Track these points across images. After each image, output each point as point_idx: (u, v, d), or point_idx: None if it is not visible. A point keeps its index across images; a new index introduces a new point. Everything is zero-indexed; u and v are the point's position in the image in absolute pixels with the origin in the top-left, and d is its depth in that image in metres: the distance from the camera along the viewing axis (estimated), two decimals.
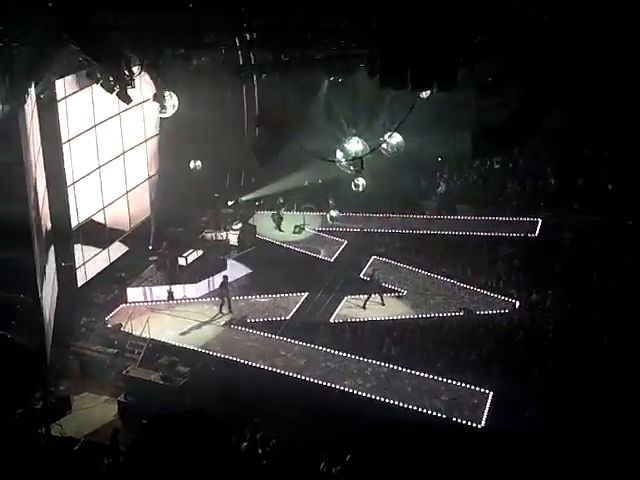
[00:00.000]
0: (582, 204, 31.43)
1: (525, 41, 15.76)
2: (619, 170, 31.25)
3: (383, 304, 27.12)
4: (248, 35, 17.83)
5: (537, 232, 31.63)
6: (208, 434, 5.82)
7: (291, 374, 23.32)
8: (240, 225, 31.37)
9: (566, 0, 14.87)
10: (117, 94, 20.10)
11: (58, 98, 23.44)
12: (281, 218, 32.97)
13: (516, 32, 15.70)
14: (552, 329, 24.76)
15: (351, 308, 27.15)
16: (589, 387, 21.42)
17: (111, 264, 27.51)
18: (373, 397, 22.26)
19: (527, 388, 21.89)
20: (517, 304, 26.91)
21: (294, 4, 16.36)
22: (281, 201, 33.60)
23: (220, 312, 26.57)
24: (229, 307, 26.77)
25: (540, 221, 32.03)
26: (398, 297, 27.96)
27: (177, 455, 5.59)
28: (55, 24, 16.83)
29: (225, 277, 27.29)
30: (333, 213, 32.96)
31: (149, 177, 29.50)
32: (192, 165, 30.75)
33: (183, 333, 25.56)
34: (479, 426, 21.06)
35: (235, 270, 29.17)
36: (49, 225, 24.22)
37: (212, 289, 27.99)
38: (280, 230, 32.79)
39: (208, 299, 27.78)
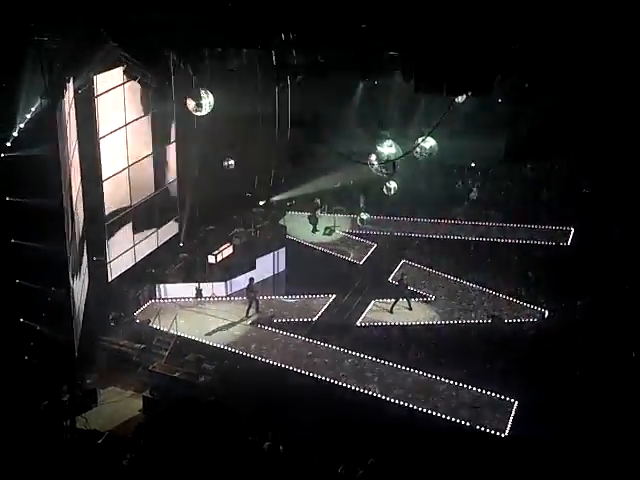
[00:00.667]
0: (616, 213, 31.05)
1: (561, 49, 15.64)
2: None
3: (410, 309, 27.02)
4: (284, 36, 17.85)
5: (569, 241, 31.39)
6: (226, 425, 5.84)
7: (316, 375, 23.31)
8: (270, 225, 31.40)
9: (602, 9, 14.72)
10: (153, 91, 20.23)
11: (96, 94, 23.62)
12: (317, 220, 33.02)
13: (552, 40, 15.58)
14: (581, 340, 24.51)
15: (378, 312, 27.10)
16: (616, 398, 21.19)
17: (141, 260, 27.67)
18: (397, 402, 22.17)
19: (553, 398, 21.69)
20: (546, 313, 26.71)
21: (330, 5, 16.37)
22: (318, 202, 33.63)
23: (246, 315, 26.61)
24: (257, 308, 26.84)
25: (573, 230, 31.77)
26: (426, 302, 27.86)
27: (192, 441, 5.61)
28: (95, 21, 17.00)
29: (251, 279, 27.35)
30: (364, 216, 32.90)
31: (180, 175, 29.57)
32: (225, 164, 30.88)
33: (210, 331, 25.67)
34: (503, 435, 20.90)
35: (263, 270, 29.25)
36: (82, 219, 24.43)
37: (240, 288, 28.08)
38: (315, 232, 32.84)
39: (236, 298, 27.89)
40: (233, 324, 26.22)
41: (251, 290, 27.03)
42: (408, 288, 27.51)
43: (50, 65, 18.95)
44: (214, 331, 25.71)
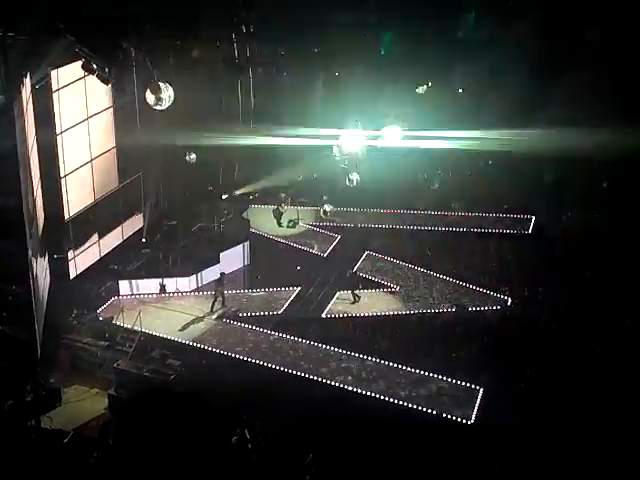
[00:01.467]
0: (576, 202, 31.47)
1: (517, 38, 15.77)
2: (614, 168, 31.26)
3: (354, 301, 27.12)
4: (245, 28, 17.78)
5: (530, 229, 31.75)
6: (200, 417, 5.78)
7: (282, 369, 23.31)
8: (233, 219, 31.25)
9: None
10: (112, 85, 20.01)
11: (53, 89, 23.28)
12: (281, 213, 32.94)
13: (510, 31, 15.70)
14: (543, 326, 24.81)
15: (343, 303, 27.14)
16: (580, 383, 21.49)
17: (103, 257, 27.39)
18: (363, 392, 22.25)
19: (518, 385, 21.94)
20: (509, 301, 26.99)
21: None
22: (282, 197, 33.55)
23: (211, 309, 26.51)
24: (222, 302, 26.75)
25: (534, 218, 32.11)
26: (390, 292, 27.97)
27: (162, 434, 5.54)
28: (51, 15, 16.75)
29: (222, 274, 27.26)
30: (327, 208, 32.88)
31: (143, 169, 29.30)
32: (187, 158, 30.67)
33: (175, 326, 25.52)
34: (469, 422, 21.09)
35: (228, 264, 29.12)
36: (42, 217, 24.10)
37: (204, 282, 27.95)
38: (280, 225, 32.76)
39: (200, 293, 27.76)
40: (198, 319, 26.10)
41: (220, 284, 26.93)
42: (357, 279, 27.83)
43: (6, 60, 18.64)
44: (179, 326, 25.57)
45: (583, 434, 19.65)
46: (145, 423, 5.55)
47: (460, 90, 24.10)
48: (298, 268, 27.03)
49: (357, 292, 27.23)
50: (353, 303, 26.99)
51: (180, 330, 25.33)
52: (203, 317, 26.22)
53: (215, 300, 26.70)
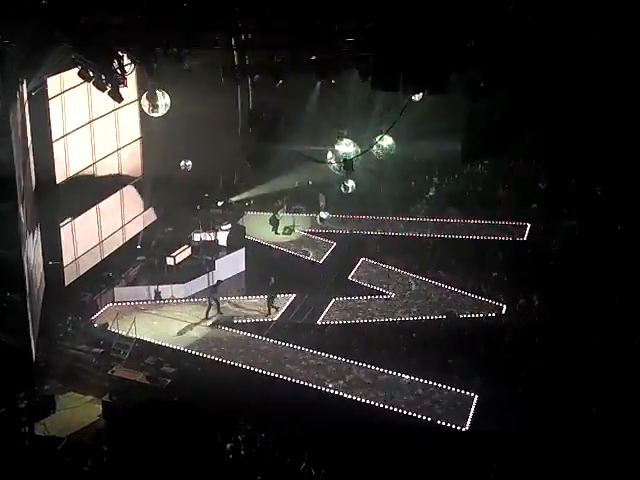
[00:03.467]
0: (571, 209, 31.54)
1: (516, 45, 15.80)
2: (608, 175, 31.34)
3: (269, 312, 26.82)
4: (242, 36, 17.79)
5: (525, 236, 31.79)
6: (195, 425, 5.77)
7: (276, 375, 23.29)
8: (229, 226, 31.28)
9: (558, 6, 14.91)
10: (109, 93, 20.01)
11: (50, 96, 23.28)
12: (278, 221, 32.95)
13: (508, 36, 15.73)
14: (539, 333, 24.82)
15: (339, 310, 27.13)
16: (575, 390, 21.50)
17: (99, 263, 27.36)
18: (358, 399, 22.24)
19: (513, 391, 21.95)
20: (504, 308, 27.01)
21: (288, 6, 16.34)
22: (279, 204, 33.60)
23: (206, 316, 26.48)
24: (217, 309, 26.73)
25: (529, 225, 32.17)
26: (386, 300, 27.97)
27: (161, 443, 5.53)
28: (47, 22, 16.75)
29: (219, 281, 27.33)
30: (323, 215, 32.96)
31: (140, 176, 29.34)
32: (182, 165, 30.68)
33: (170, 333, 25.49)
34: (463, 429, 21.08)
35: (223, 271, 29.12)
36: (38, 222, 24.08)
37: (200, 290, 27.95)
38: (276, 232, 32.77)
39: (195, 299, 27.74)
40: (193, 326, 26.07)
41: (215, 292, 26.94)
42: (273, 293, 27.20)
43: (2, 67, 18.63)
44: (174, 333, 25.55)
45: (579, 441, 19.65)
46: (139, 432, 5.54)
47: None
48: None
49: (274, 303, 26.99)
50: (268, 315, 26.76)
51: (175, 337, 25.31)
52: (198, 324, 26.19)
53: (210, 307, 26.68)
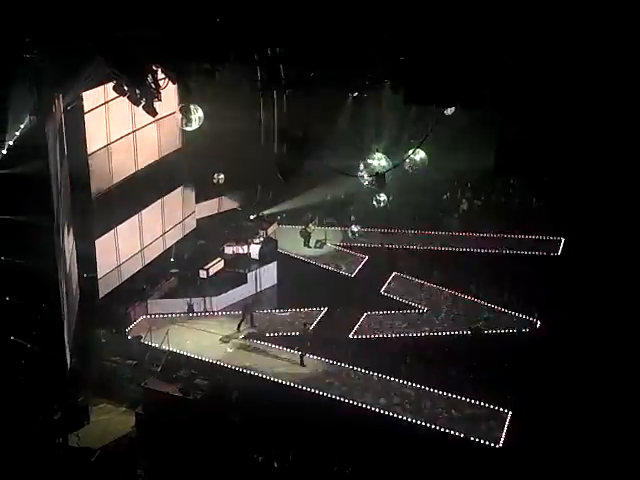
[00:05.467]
0: (606, 224, 31.20)
1: (547, 62, 15.74)
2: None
3: (302, 365, 24.66)
4: (274, 51, 17.91)
5: (560, 251, 31.53)
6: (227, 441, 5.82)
7: (309, 389, 23.26)
8: (261, 239, 31.42)
9: (586, 24, 14.83)
10: (143, 107, 20.23)
11: (85, 110, 23.59)
12: (309, 234, 33.02)
13: (540, 53, 15.67)
14: (573, 349, 24.55)
15: (371, 324, 27.06)
16: (608, 407, 21.23)
17: (132, 276, 27.60)
18: (391, 414, 22.13)
19: (547, 408, 21.71)
20: (538, 323, 26.77)
21: (318, 19, 16.42)
22: (310, 217, 33.69)
23: (238, 329, 26.59)
24: (251, 323, 26.82)
25: (563, 240, 31.90)
26: (418, 314, 27.87)
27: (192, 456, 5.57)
28: (84, 37, 16.99)
29: (252, 296, 27.59)
30: (354, 228, 33.01)
31: (174, 189, 29.59)
32: (215, 178, 30.94)
33: (202, 346, 25.59)
34: (497, 446, 20.89)
35: (256, 284, 29.23)
36: (73, 235, 24.35)
37: (232, 302, 28.05)
38: (308, 246, 32.84)
39: (228, 312, 27.84)
40: (225, 339, 26.15)
41: (249, 305, 27.05)
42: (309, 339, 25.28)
43: (39, 82, 18.93)
44: (206, 346, 25.64)
45: (612, 457, 19.39)
46: (173, 444, 5.59)
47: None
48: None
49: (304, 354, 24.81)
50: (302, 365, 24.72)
51: (207, 349, 25.39)
52: (231, 337, 26.27)
53: (243, 320, 26.77)
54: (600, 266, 28.76)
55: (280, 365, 24.61)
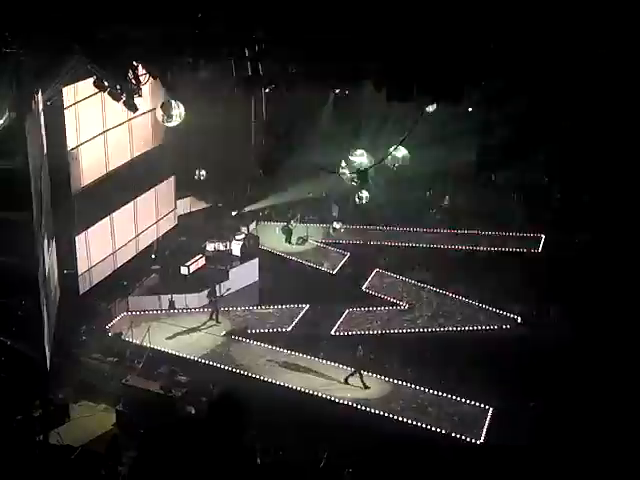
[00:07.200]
0: (586, 221, 31.41)
1: (530, 58, 15.78)
2: (622, 188, 31.21)
3: (365, 387, 23.35)
4: (255, 47, 17.85)
5: (540, 248, 31.70)
6: (208, 439, 5.82)
7: (291, 386, 23.26)
8: (243, 235, 31.36)
9: (570, 18, 14.88)
10: (124, 103, 20.10)
11: (65, 105, 23.43)
12: (291, 231, 33.01)
13: (522, 49, 15.71)
14: (554, 345, 24.68)
15: (352, 321, 27.08)
16: (591, 404, 21.36)
17: (113, 272, 27.45)
18: (373, 411, 22.17)
19: (528, 405, 21.82)
20: (519, 320, 26.89)
21: (301, 17, 16.38)
22: (291, 214, 33.68)
23: (216, 320, 26.64)
24: (216, 318, 26.79)
25: (544, 237, 32.07)
26: (399, 311, 27.92)
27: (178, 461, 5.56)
28: (64, 33, 16.86)
29: (213, 284, 27.43)
30: (336, 225, 33.04)
31: (155, 185, 29.43)
32: (197, 175, 30.83)
33: (184, 343, 25.53)
34: (478, 442, 20.98)
35: (237, 281, 29.17)
36: (53, 231, 24.19)
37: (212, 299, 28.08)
38: (289, 243, 32.83)
39: (209, 309, 27.78)
40: (207, 335, 26.11)
41: (213, 296, 26.95)
42: (366, 362, 23.71)
43: (18, 77, 18.76)
44: (188, 343, 25.58)
45: (594, 454, 19.50)
46: (165, 452, 5.58)
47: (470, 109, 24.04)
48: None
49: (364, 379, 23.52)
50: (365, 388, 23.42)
51: (189, 346, 25.33)
52: (212, 333, 26.22)
53: (213, 312, 26.69)
54: (582, 262, 28.94)
55: (261, 361, 24.58)
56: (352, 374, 23.50)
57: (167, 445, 5.58)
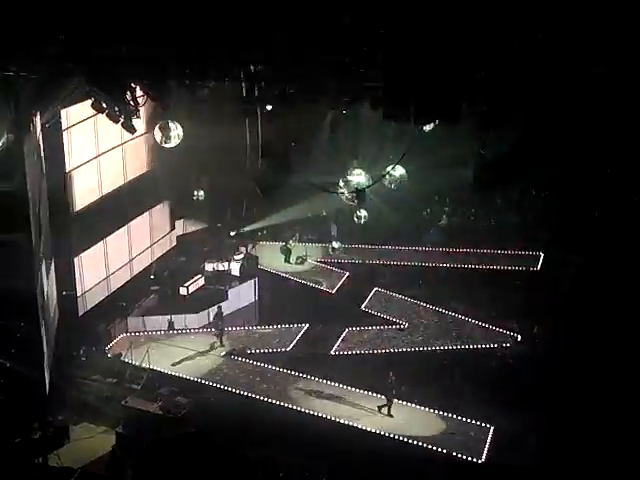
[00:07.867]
0: (585, 239, 31.43)
1: (527, 77, 15.87)
2: (621, 208, 31.27)
3: (390, 415, 22.96)
4: (252, 67, 17.95)
5: (539, 266, 31.73)
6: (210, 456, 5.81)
7: (290, 406, 23.18)
8: (242, 255, 31.37)
9: (566, 37, 14.98)
10: (122, 124, 20.18)
11: (63, 127, 23.53)
12: (290, 250, 33.05)
13: (518, 68, 15.81)
14: (553, 363, 24.64)
15: (352, 340, 27.03)
16: (592, 421, 21.30)
17: (112, 293, 27.45)
18: (373, 430, 22.08)
19: (528, 422, 21.74)
20: (518, 337, 26.86)
21: (298, 37, 16.49)
22: (290, 233, 33.73)
23: (220, 343, 26.52)
24: (221, 341, 26.70)
25: (542, 255, 32.10)
26: (398, 330, 27.89)
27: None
28: (61, 55, 16.96)
29: (219, 307, 27.28)
30: (335, 244, 33.07)
31: (152, 206, 29.51)
32: (195, 195, 30.89)
33: (183, 363, 25.46)
34: (479, 461, 20.88)
35: (236, 301, 29.16)
36: (52, 253, 24.21)
37: (212, 319, 28.02)
38: (289, 262, 32.86)
39: (208, 329, 27.74)
40: (207, 356, 26.05)
41: (219, 319, 26.92)
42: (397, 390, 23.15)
43: (16, 99, 18.86)
44: (187, 363, 25.51)
45: (592, 470, 19.44)
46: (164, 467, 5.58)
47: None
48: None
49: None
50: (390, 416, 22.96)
51: (188, 367, 25.27)
52: (211, 354, 26.17)
53: (219, 335, 26.65)
54: (581, 280, 28.96)
55: (261, 381, 24.50)
56: (386, 404, 22.86)
57: (163, 462, 5.57)
